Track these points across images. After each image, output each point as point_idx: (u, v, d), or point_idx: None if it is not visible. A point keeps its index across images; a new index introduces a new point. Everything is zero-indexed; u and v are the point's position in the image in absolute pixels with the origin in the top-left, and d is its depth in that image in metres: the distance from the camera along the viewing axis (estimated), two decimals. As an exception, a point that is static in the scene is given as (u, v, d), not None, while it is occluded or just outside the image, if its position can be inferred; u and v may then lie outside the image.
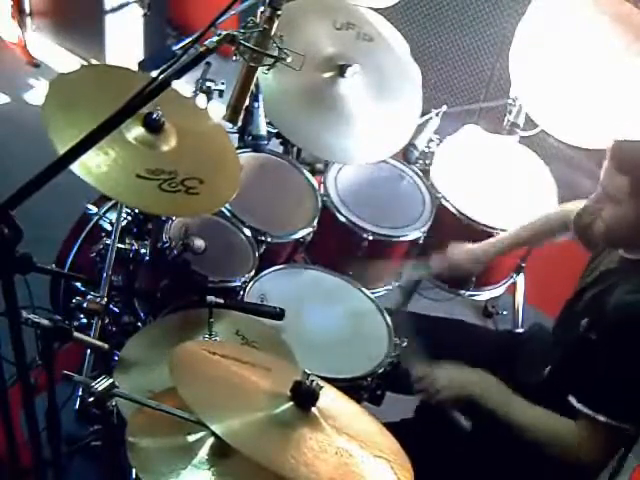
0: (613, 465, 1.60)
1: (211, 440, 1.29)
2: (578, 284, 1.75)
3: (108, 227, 2.07)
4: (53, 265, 2.02)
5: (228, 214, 2.05)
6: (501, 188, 2.45)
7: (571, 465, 1.58)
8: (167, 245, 1.87)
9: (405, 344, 1.87)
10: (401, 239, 2.21)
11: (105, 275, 1.82)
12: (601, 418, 1.50)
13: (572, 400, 1.55)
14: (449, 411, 1.68)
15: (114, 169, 1.50)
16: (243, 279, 1.95)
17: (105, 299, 1.78)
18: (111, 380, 1.25)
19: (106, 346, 1.51)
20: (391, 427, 1.37)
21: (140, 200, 1.56)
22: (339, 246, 2.26)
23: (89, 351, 1.96)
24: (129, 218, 2.02)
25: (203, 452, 1.28)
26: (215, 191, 1.62)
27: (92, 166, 1.46)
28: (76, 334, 1.33)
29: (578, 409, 1.54)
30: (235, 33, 1.37)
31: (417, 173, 2.43)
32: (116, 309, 2.00)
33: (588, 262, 1.79)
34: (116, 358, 1.64)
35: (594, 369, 1.54)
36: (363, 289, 2.05)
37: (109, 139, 1.15)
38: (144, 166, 1.54)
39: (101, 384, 1.24)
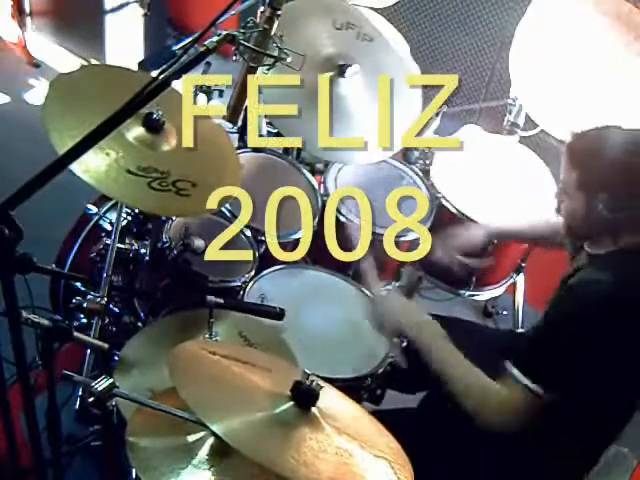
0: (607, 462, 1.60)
1: (211, 440, 1.29)
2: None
3: (108, 227, 2.06)
4: (53, 265, 2.02)
5: (228, 214, 2.05)
6: (501, 188, 2.45)
7: (565, 463, 1.59)
8: (167, 245, 1.87)
9: (405, 343, 1.87)
10: (401, 239, 2.21)
11: (105, 275, 1.82)
12: (528, 383, 1.51)
13: (508, 365, 1.56)
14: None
15: (110, 166, 1.50)
16: (243, 279, 1.95)
17: (105, 299, 1.78)
18: (111, 380, 1.25)
19: (106, 346, 1.50)
20: (391, 416, 1.37)
21: (126, 194, 1.56)
22: (339, 246, 2.26)
23: (89, 351, 1.96)
24: (129, 218, 2.02)
25: (203, 452, 1.28)
26: (207, 196, 1.61)
27: (89, 163, 1.46)
28: (76, 334, 1.33)
29: (509, 372, 1.55)
30: (235, 33, 1.38)
31: (417, 173, 2.43)
32: (116, 309, 2.00)
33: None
34: (116, 358, 1.64)
35: (553, 349, 1.55)
36: (363, 289, 2.05)
37: (109, 139, 1.15)
38: (137, 163, 1.55)
39: (101, 384, 1.24)
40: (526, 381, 1.51)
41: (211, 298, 1.63)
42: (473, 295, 2.48)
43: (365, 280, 1.94)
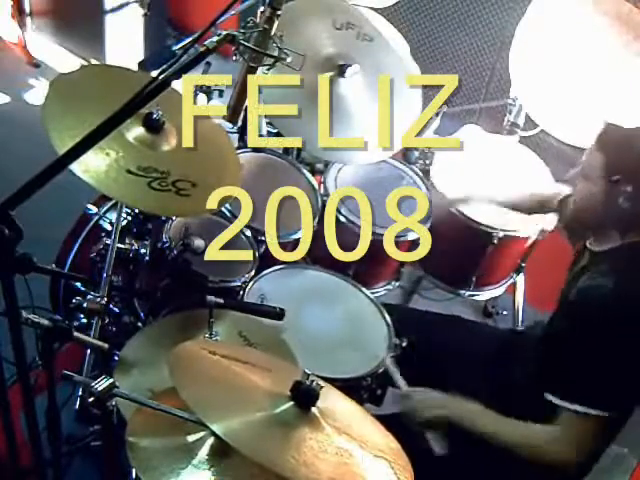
0: (607, 462, 1.60)
1: (211, 440, 1.29)
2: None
3: (108, 227, 2.06)
4: (53, 265, 2.02)
5: (228, 214, 2.05)
6: (501, 188, 2.45)
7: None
8: (167, 245, 1.87)
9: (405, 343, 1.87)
10: (401, 239, 2.21)
11: (105, 275, 1.82)
12: (578, 408, 1.50)
13: (549, 397, 1.55)
14: (425, 434, 1.67)
15: (110, 166, 1.50)
16: (243, 279, 1.95)
17: (105, 299, 1.78)
18: (111, 380, 1.25)
19: (106, 346, 1.51)
20: (391, 419, 1.37)
21: (126, 194, 1.56)
22: (339, 246, 2.26)
23: (89, 351, 1.96)
24: (129, 218, 2.02)
25: (203, 452, 1.28)
26: (207, 196, 1.61)
27: (89, 163, 1.46)
28: (76, 334, 1.33)
29: (555, 404, 1.53)
30: (235, 33, 1.38)
31: (417, 173, 2.43)
32: (116, 309, 2.00)
33: (568, 270, 1.80)
34: (116, 358, 1.64)
35: (563, 360, 1.55)
36: (363, 289, 2.05)
37: (109, 139, 1.15)
38: (136, 163, 1.55)
39: (101, 384, 1.24)
40: (579, 408, 1.50)
41: (211, 298, 1.63)
42: (473, 295, 2.49)
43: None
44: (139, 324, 1.97)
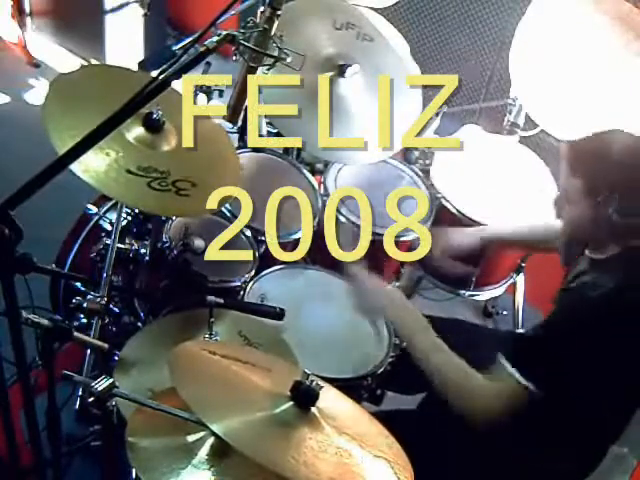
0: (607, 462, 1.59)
1: (211, 440, 1.29)
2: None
3: (108, 227, 2.06)
4: (53, 265, 2.02)
5: (228, 214, 2.05)
6: (501, 188, 2.45)
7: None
8: (167, 245, 1.87)
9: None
10: (401, 239, 2.21)
11: (105, 275, 1.82)
12: (511, 371, 1.50)
13: (500, 358, 1.55)
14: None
15: (110, 166, 1.51)
16: (243, 279, 1.95)
17: (105, 299, 1.78)
18: (111, 380, 1.25)
19: (106, 346, 1.51)
20: (391, 416, 1.37)
21: (126, 194, 1.56)
22: (339, 246, 2.26)
23: (89, 351, 1.96)
24: (129, 218, 2.02)
25: (203, 452, 1.28)
26: (207, 196, 1.61)
27: (89, 163, 1.46)
28: (76, 334, 1.33)
29: (501, 364, 1.53)
30: (235, 33, 1.38)
31: (417, 173, 2.43)
32: (116, 309, 2.00)
33: (565, 275, 1.80)
34: (116, 358, 1.64)
35: (537, 341, 1.56)
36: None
37: (109, 139, 1.15)
38: (136, 163, 1.55)
39: (101, 384, 1.24)
40: (518, 375, 1.50)
41: (211, 298, 1.64)
42: (473, 295, 2.48)
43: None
44: (139, 324, 1.97)
